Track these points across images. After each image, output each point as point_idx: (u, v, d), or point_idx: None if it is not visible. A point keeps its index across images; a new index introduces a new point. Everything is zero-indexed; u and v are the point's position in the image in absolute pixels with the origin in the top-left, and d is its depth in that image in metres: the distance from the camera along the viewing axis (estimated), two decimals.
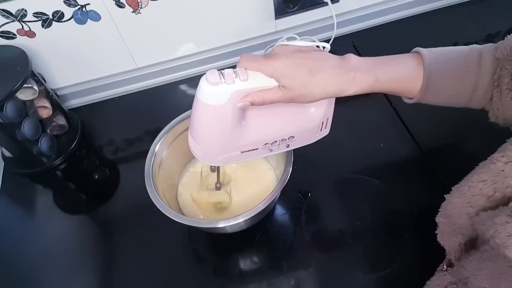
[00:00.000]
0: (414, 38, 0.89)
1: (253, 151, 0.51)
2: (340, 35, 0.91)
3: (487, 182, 0.38)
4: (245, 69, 0.43)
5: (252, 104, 0.44)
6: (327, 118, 0.52)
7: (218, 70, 0.43)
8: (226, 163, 0.52)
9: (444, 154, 0.69)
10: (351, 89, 0.44)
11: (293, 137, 0.52)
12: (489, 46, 0.46)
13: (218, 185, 0.64)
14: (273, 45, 0.46)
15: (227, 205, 0.64)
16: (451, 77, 0.46)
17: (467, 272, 0.42)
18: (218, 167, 0.61)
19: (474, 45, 0.47)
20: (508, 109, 0.44)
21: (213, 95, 0.42)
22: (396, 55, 0.48)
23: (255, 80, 0.43)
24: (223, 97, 0.42)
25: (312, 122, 0.51)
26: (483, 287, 0.39)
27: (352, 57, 0.45)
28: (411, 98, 0.49)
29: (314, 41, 0.47)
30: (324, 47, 0.47)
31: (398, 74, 0.47)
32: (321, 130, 0.54)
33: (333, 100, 0.51)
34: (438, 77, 0.46)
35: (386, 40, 0.89)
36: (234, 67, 0.44)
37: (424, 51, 0.47)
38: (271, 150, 0.53)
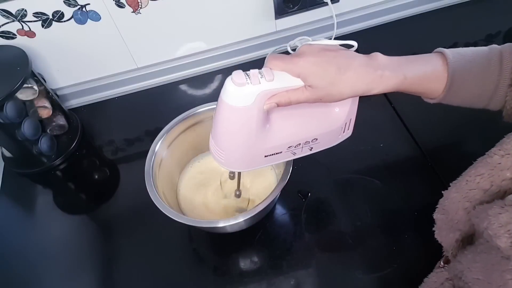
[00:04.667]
0: (414, 38, 0.89)
1: (277, 155, 0.50)
2: (340, 35, 0.91)
3: (484, 175, 0.39)
4: (271, 69, 0.42)
5: (278, 105, 0.43)
6: (350, 119, 0.52)
7: (243, 71, 0.42)
8: (249, 168, 0.50)
9: (444, 154, 0.69)
10: (379, 87, 0.44)
11: (317, 139, 0.51)
12: (508, 45, 0.45)
13: (237, 193, 0.62)
14: (301, 38, 0.45)
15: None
16: (474, 76, 0.46)
17: (462, 266, 0.42)
18: (239, 174, 0.59)
19: (493, 45, 0.46)
20: None
21: (239, 96, 0.41)
22: (420, 54, 0.48)
23: (281, 80, 0.42)
24: (248, 98, 0.41)
25: (336, 123, 0.51)
26: (476, 278, 0.40)
27: (379, 56, 0.45)
28: (433, 98, 0.49)
29: (341, 40, 0.46)
30: (352, 46, 0.47)
31: (424, 73, 0.46)
32: (344, 132, 0.53)
33: (357, 100, 0.50)
34: (461, 77, 0.45)
35: (386, 40, 0.89)
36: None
37: (447, 51, 0.47)
38: (294, 154, 0.52)
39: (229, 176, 0.61)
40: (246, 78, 0.41)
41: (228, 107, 0.42)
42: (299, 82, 0.43)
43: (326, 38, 0.46)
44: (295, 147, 0.50)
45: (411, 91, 0.47)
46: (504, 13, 0.89)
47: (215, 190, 0.66)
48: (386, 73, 0.43)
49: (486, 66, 0.45)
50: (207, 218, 0.63)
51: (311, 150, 0.53)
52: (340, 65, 0.42)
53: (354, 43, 0.47)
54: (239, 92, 0.41)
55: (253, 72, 0.42)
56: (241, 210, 0.64)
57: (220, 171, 0.67)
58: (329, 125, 0.51)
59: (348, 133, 0.54)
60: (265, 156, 0.49)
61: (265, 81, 0.41)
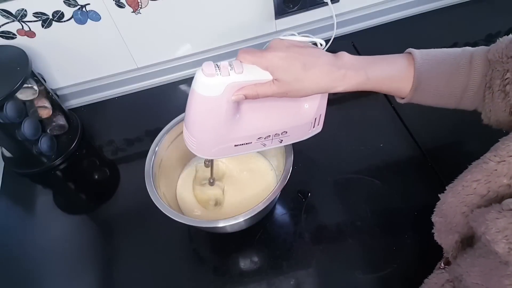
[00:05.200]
0: (414, 38, 0.89)
1: (247, 145, 0.52)
2: (340, 35, 0.91)
3: (481, 181, 0.39)
4: (241, 62, 0.44)
5: (246, 97, 0.45)
6: (320, 115, 0.53)
7: (214, 62, 0.43)
8: (219, 156, 0.52)
9: (444, 154, 0.69)
10: (341, 85, 0.45)
11: (286, 132, 0.52)
12: (481, 48, 0.46)
13: (211, 180, 0.64)
14: (290, 34, 0.47)
15: (221, 201, 0.64)
16: (442, 77, 0.47)
17: (461, 269, 0.42)
18: (212, 163, 0.61)
19: (467, 47, 0.48)
20: (500, 110, 0.44)
21: (208, 86, 0.43)
22: (389, 55, 0.49)
23: (250, 73, 0.43)
24: (217, 89, 0.43)
25: (305, 118, 0.52)
26: (475, 283, 0.40)
27: (344, 55, 0.47)
28: (402, 98, 0.50)
29: (310, 37, 0.48)
30: (321, 44, 0.48)
31: (388, 74, 0.48)
32: (313, 127, 0.54)
33: (326, 96, 0.51)
34: (429, 77, 0.47)
35: (386, 40, 0.89)
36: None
37: (416, 51, 0.48)
38: (264, 145, 0.53)
39: (205, 163, 0.62)
40: (216, 70, 0.43)
41: (197, 96, 0.44)
42: (267, 76, 0.44)
43: (304, 35, 0.47)
44: (264, 138, 0.52)
45: (378, 90, 0.48)
46: (504, 13, 0.89)
47: (192, 180, 0.67)
48: (349, 73, 0.45)
49: (455, 67, 0.46)
50: (195, 210, 0.64)
51: (281, 142, 0.54)
52: (306, 61, 0.43)
53: (322, 41, 0.48)
54: (208, 82, 0.43)
55: (223, 64, 0.43)
56: (218, 200, 0.65)
57: (197, 173, 0.68)
58: (299, 120, 0.52)
59: (318, 128, 0.55)
60: (235, 146, 0.51)
61: (234, 73, 0.43)
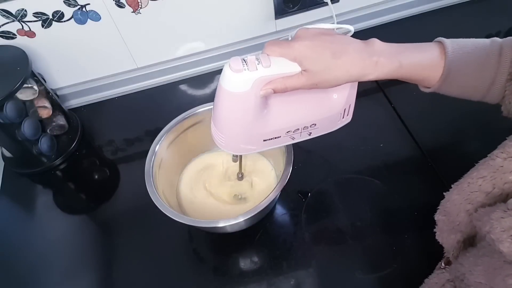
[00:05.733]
0: (414, 38, 0.87)
1: (276, 139, 0.51)
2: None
3: (486, 178, 0.38)
4: (268, 55, 0.43)
5: (275, 91, 0.44)
6: (350, 105, 0.52)
7: (241, 57, 0.43)
8: (248, 152, 0.52)
9: (444, 154, 0.69)
10: (374, 73, 0.44)
11: (315, 124, 0.51)
12: (509, 39, 0.45)
13: (240, 175, 0.63)
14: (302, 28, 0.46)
15: (249, 195, 0.64)
16: (471, 68, 0.45)
17: (464, 268, 0.42)
18: (241, 157, 0.60)
19: (495, 38, 0.46)
20: None
21: (236, 82, 0.42)
22: (419, 43, 0.48)
23: (278, 66, 0.43)
24: (246, 84, 0.42)
25: (334, 109, 0.51)
26: (478, 282, 0.39)
27: (376, 42, 0.45)
28: (429, 87, 0.49)
29: (337, 24, 0.47)
30: (348, 31, 0.47)
31: (420, 61, 0.46)
32: (343, 117, 0.53)
33: (356, 86, 0.50)
34: (459, 67, 0.45)
35: (386, 40, 0.89)
36: None
37: (447, 41, 0.47)
38: (293, 138, 0.52)
39: (232, 159, 0.62)
40: (244, 64, 0.42)
41: (226, 93, 0.44)
42: (296, 68, 0.43)
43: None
44: (293, 132, 0.51)
45: (406, 79, 0.47)
46: (504, 13, 0.89)
47: (218, 176, 0.67)
48: (382, 60, 0.43)
49: (485, 58, 0.45)
50: (211, 207, 0.64)
51: (310, 135, 0.53)
52: (335, 49, 0.42)
53: (351, 27, 0.47)
54: (236, 78, 0.42)
55: (251, 58, 0.43)
56: (243, 193, 0.65)
57: (218, 164, 0.68)
58: (328, 111, 0.51)
59: (348, 118, 0.54)
60: (264, 140, 0.50)
61: (262, 67, 0.42)
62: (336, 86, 0.45)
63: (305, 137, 0.53)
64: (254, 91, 0.43)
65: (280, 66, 0.43)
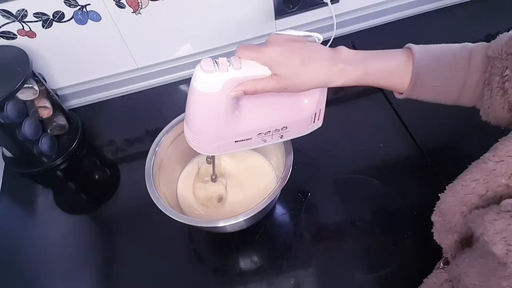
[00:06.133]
0: (414, 38, 0.87)
1: (247, 140, 0.52)
2: (340, 35, 0.91)
3: (479, 181, 0.39)
4: (239, 58, 0.44)
5: (245, 93, 0.45)
6: (320, 110, 0.53)
7: (212, 58, 0.43)
8: (220, 152, 0.52)
9: (443, 154, 0.70)
10: (340, 79, 0.45)
11: (287, 127, 0.53)
12: (481, 44, 0.46)
13: (213, 177, 0.64)
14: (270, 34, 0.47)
15: (224, 197, 0.65)
16: (440, 73, 0.47)
17: (460, 269, 0.42)
18: (214, 159, 0.61)
19: (467, 43, 0.47)
20: (498, 107, 0.44)
21: (207, 82, 0.43)
22: (388, 50, 0.49)
23: (248, 68, 0.44)
24: (216, 85, 0.43)
25: (305, 113, 0.52)
26: (473, 284, 0.40)
27: (343, 49, 0.47)
28: (401, 93, 0.50)
29: (307, 32, 0.48)
30: (318, 39, 0.48)
31: (387, 68, 0.47)
32: (314, 122, 0.54)
33: (325, 91, 0.51)
34: (427, 73, 0.47)
35: (386, 40, 0.89)
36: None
37: (415, 47, 0.48)
38: (265, 141, 0.53)
39: (207, 160, 0.63)
40: (215, 66, 0.43)
41: (197, 93, 0.44)
42: (266, 71, 0.44)
43: (300, 30, 0.47)
44: (265, 134, 0.52)
45: (376, 85, 0.48)
46: (504, 13, 0.89)
47: (196, 178, 0.68)
48: (347, 67, 0.45)
49: (454, 63, 0.46)
50: (197, 212, 0.64)
51: (281, 137, 0.54)
52: (304, 56, 0.44)
53: (319, 36, 0.48)
54: (207, 78, 0.43)
55: (222, 60, 0.43)
56: (220, 197, 0.65)
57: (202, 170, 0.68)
58: (299, 115, 0.52)
59: (318, 123, 0.55)
60: (235, 141, 0.51)
61: (232, 69, 0.43)
62: (304, 91, 0.46)
63: (276, 139, 0.54)
64: (225, 92, 0.44)
65: (251, 69, 0.44)
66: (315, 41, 0.48)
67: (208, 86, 0.43)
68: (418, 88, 0.48)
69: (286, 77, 0.44)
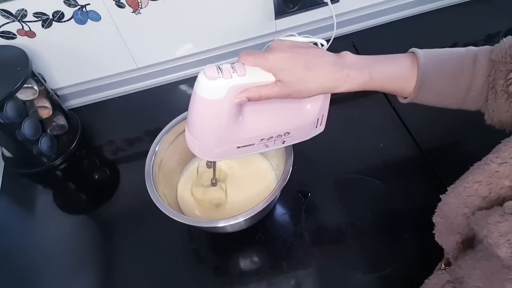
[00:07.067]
0: (414, 38, 0.89)
1: (249, 146, 0.51)
2: (340, 35, 0.91)
3: (482, 183, 0.39)
4: (243, 64, 0.44)
5: (249, 99, 0.45)
6: (322, 115, 0.53)
7: (216, 65, 0.43)
8: (222, 158, 0.52)
9: (444, 154, 0.69)
10: (345, 85, 0.45)
11: (289, 133, 0.52)
12: (485, 48, 0.46)
13: (213, 181, 0.64)
14: (272, 40, 0.47)
15: (223, 201, 0.64)
16: (445, 77, 0.46)
17: (462, 271, 0.42)
18: (214, 163, 0.61)
19: (471, 47, 0.47)
20: (503, 110, 0.44)
21: (211, 89, 0.43)
22: (392, 54, 0.49)
23: (252, 75, 0.43)
24: (220, 92, 0.43)
25: (307, 119, 0.52)
26: (477, 286, 0.39)
27: (347, 55, 0.46)
28: (405, 98, 0.50)
29: (310, 37, 0.48)
30: (322, 44, 0.48)
31: (392, 73, 0.47)
32: (316, 127, 0.54)
33: (329, 97, 0.51)
34: (432, 78, 0.46)
35: (386, 40, 0.89)
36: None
37: (419, 51, 0.48)
38: (267, 146, 0.53)
39: (207, 165, 0.62)
40: (218, 72, 0.42)
41: (200, 99, 0.44)
42: (270, 78, 0.44)
43: (305, 36, 0.47)
44: (267, 139, 0.52)
45: (381, 90, 0.48)
46: (504, 13, 0.89)
47: (196, 181, 0.67)
48: (352, 72, 0.45)
49: (459, 66, 0.46)
50: (196, 214, 0.64)
51: (283, 143, 0.54)
52: (308, 62, 0.43)
53: (323, 42, 0.48)
54: (211, 85, 0.43)
55: (226, 66, 0.43)
56: (220, 201, 0.65)
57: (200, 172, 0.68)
58: (301, 120, 0.52)
59: (321, 128, 0.55)
60: (237, 147, 0.51)
61: (236, 75, 0.43)
62: (309, 97, 0.46)
63: (278, 145, 0.54)
64: (229, 99, 0.44)
65: (255, 75, 0.43)
66: (318, 46, 0.48)
67: (212, 92, 0.43)
68: (423, 93, 0.48)
69: (290, 83, 0.44)
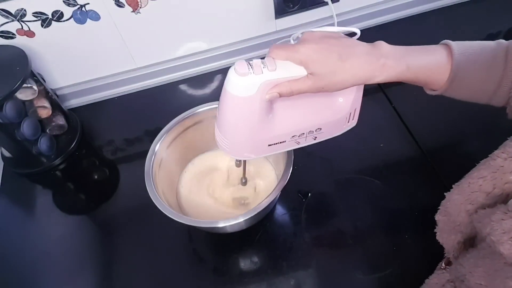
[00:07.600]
0: (414, 38, 0.88)
1: (281, 144, 0.50)
2: None
3: (487, 178, 0.38)
4: (273, 59, 0.42)
5: (280, 95, 0.43)
6: (355, 109, 0.52)
7: (246, 60, 0.42)
8: (252, 157, 0.51)
9: (444, 154, 0.69)
10: (381, 75, 0.43)
11: (321, 129, 0.51)
12: None
13: (243, 181, 0.63)
14: (303, 32, 0.46)
15: (252, 201, 0.64)
16: (478, 70, 0.45)
17: (464, 269, 0.42)
18: (244, 162, 0.60)
19: (501, 40, 0.46)
20: None
21: (242, 86, 0.42)
22: (425, 45, 0.47)
23: (283, 69, 0.42)
24: (251, 88, 0.42)
25: (340, 113, 0.51)
26: (479, 283, 0.39)
27: (383, 44, 0.45)
28: (435, 90, 0.48)
29: (343, 27, 0.46)
30: (356, 33, 0.47)
31: (427, 64, 0.46)
32: (348, 122, 0.53)
33: (361, 89, 0.50)
34: (465, 70, 0.45)
35: (386, 40, 0.89)
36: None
37: (453, 43, 0.46)
38: (298, 143, 0.52)
39: (236, 163, 0.61)
40: (249, 68, 0.41)
41: (231, 97, 0.43)
42: (302, 72, 0.42)
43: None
44: (298, 136, 0.50)
45: (413, 81, 0.46)
46: (504, 13, 0.89)
47: (221, 181, 0.67)
48: (389, 62, 0.43)
49: (491, 61, 0.44)
50: (214, 211, 0.64)
51: (315, 139, 0.53)
52: (342, 52, 0.42)
53: (357, 30, 0.47)
54: (241, 82, 0.41)
55: (256, 62, 0.42)
56: (245, 199, 0.64)
57: (221, 168, 0.68)
58: (333, 115, 0.50)
59: (353, 123, 0.53)
60: (268, 145, 0.50)
61: (267, 70, 0.42)
62: (342, 89, 0.44)
63: (310, 141, 0.52)
64: (260, 95, 0.42)
65: (286, 69, 0.42)
66: (352, 36, 0.46)
67: (243, 89, 0.42)
68: (455, 86, 0.46)
69: (323, 75, 0.42)
